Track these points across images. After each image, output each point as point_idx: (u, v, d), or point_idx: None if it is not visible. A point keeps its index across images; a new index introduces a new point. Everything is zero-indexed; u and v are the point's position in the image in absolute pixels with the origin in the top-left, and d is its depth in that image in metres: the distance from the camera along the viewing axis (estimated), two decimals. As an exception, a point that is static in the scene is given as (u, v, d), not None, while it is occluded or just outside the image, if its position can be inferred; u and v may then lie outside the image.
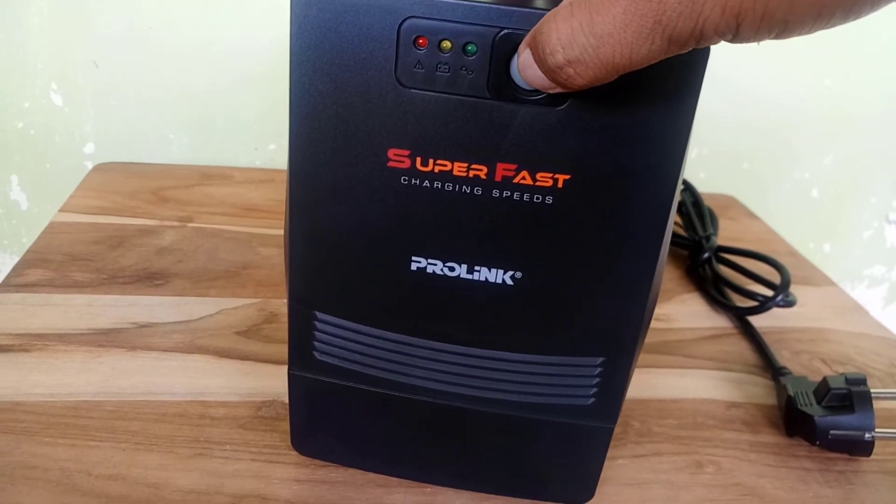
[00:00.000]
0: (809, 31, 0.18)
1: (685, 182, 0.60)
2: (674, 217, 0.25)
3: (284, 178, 0.26)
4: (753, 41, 0.18)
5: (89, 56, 0.60)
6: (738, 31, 0.18)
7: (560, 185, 0.24)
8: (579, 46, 0.19)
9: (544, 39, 0.19)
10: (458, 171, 0.24)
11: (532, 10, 0.22)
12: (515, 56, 0.22)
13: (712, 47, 0.21)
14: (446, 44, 0.22)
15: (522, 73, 0.21)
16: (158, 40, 0.60)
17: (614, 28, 0.18)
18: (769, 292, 0.47)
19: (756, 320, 0.48)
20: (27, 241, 0.66)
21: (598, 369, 0.27)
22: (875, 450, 0.35)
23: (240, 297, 0.44)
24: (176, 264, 0.47)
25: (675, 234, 0.56)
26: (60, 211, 0.52)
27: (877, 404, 0.36)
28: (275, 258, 0.49)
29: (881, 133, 0.76)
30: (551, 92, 0.21)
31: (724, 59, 0.68)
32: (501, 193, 0.24)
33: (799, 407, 0.36)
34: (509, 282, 0.26)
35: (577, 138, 0.23)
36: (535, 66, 0.20)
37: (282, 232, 0.28)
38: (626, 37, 0.18)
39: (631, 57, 0.18)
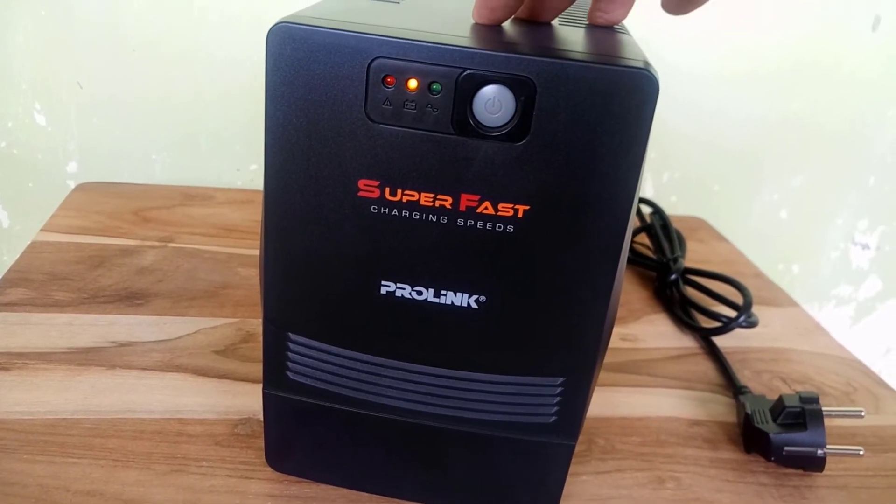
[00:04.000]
0: None
1: (654, 205, 0.61)
2: (629, 243, 0.27)
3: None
4: None
5: (73, 76, 0.61)
6: None
7: (520, 214, 0.25)
8: None
9: None
10: (425, 200, 0.25)
11: (492, 53, 0.23)
12: (478, 94, 0.24)
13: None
14: (413, 82, 0.24)
15: None
16: (142, 62, 0.61)
17: None
18: (733, 313, 0.49)
19: (720, 340, 0.49)
20: (8, 260, 0.66)
21: (559, 388, 0.29)
22: (828, 466, 0.37)
23: (218, 316, 0.45)
24: (156, 284, 0.48)
25: (643, 256, 0.58)
26: (42, 230, 0.53)
27: (830, 422, 0.37)
28: (253, 278, 0.50)
29: (846, 156, 0.79)
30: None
31: (695, 84, 0.70)
32: (466, 222, 0.26)
33: (756, 424, 0.38)
34: (474, 305, 0.27)
35: (535, 172, 0.24)
36: None
37: (259, 254, 0.29)
38: None
39: None
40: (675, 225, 0.60)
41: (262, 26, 0.25)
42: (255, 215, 0.60)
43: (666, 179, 0.75)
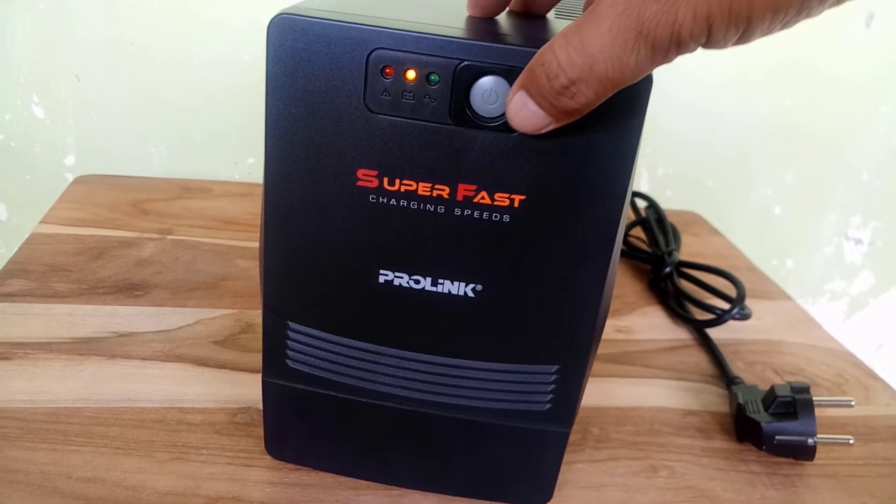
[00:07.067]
0: (769, 30, 0.20)
1: (649, 199, 0.62)
2: (622, 232, 0.27)
3: (262, 192, 0.28)
4: (723, 44, 0.20)
5: (71, 70, 0.61)
6: (710, 34, 0.19)
7: (516, 204, 0.26)
8: (577, 67, 0.21)
9: (547, 67, 0.21)
10: (423, 190, 0.26)
11: (489, 44, 0.24)
12: (475, 85, 0.24)
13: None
14: (411, 73, 0.24)
15: (515, 117, 0.23)
16: (140, 55, 0.61)
17: (603, 45, 0.20)
18: (727, 306, 0.49)
19: (714, 332, 0.50)
20: (6, 252, 0.66)
21: (554, 376, 0.29)
22: (818, 455, 0.38)
23: (217, 307, 0.45)
24: (155, 275, 0.48)
25: (638, 250, 0.59)
26: (41, 222, 0.53)
27: (821, 412, 0.38)
28: (252, 270, 0.50)
29: (839, 152, 0.79)
30: (549, 128, 0.23)
31: (689, 81, 0.71)
32: (462, 212, 0.26)
33: (748, 414, 0.38)
34: (471, 294, 0.28)
35: (530, 162, 0.25)
36: (531, 103, 0.22)
37: (259, 244, 0.29)
38: (614, 51, 0.20)
39: (622, 70, 0.20)
40: (670, 219, 0.60)
41: (258, 20, 0.25)
42: (253, 208, 0.60)
43: (661, 174, 0.76)
